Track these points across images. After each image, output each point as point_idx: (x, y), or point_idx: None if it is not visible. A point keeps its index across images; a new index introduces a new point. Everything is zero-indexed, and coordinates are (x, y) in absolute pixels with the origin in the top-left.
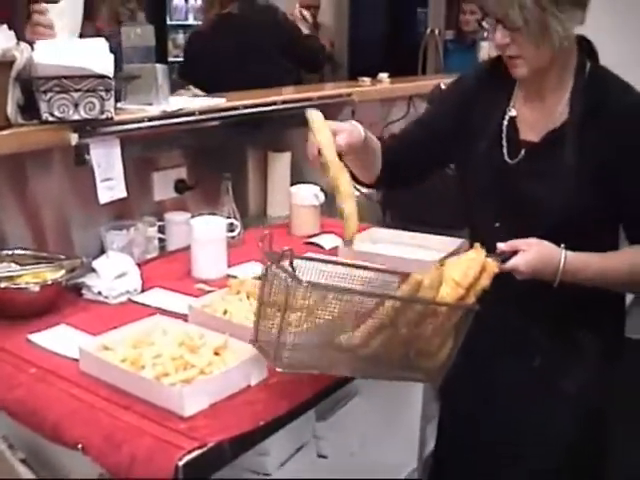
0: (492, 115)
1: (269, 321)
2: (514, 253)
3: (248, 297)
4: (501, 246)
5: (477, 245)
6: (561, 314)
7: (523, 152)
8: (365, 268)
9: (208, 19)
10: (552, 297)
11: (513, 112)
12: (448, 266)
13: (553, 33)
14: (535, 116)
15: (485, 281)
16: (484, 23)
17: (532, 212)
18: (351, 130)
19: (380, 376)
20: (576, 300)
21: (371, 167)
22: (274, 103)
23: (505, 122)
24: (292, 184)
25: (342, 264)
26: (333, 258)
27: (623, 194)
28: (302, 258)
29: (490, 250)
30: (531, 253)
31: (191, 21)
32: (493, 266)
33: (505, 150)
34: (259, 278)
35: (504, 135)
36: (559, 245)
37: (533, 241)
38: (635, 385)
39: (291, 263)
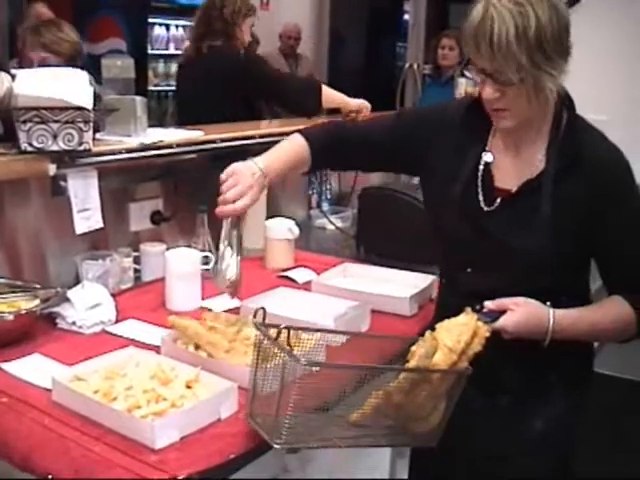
0: (466, 158)
1: (264, 396)
2: (502, 312)
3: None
4: (489, 304)
5: (468, 309)
6: (532, 356)
7: (499, 200)
8: (362, 335)
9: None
10: (524, 340)
11: (489, 157)
12: (440, 331)
13: (546, 89)
14: (511, 164)
15: (478, 346)
16: (467, 73)
17: (506, 260)
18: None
19: (374, 443)
20: (549, 343)
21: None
22: (251, 137)
23: (481, 167)
24: (268, 217)
25: (340, 333)
26: (330, 328)
27: (602, 244)
28: (298, 329)
29: (461, 294)
30: (519, 313)
31: (172, 50)
32: (484, 330)
33: (481, 197)
34: (257, 352)
35: (479, 181)
36: (534, 293)
37: (521, 300)
38: (601, 420)
39: (289, 342)
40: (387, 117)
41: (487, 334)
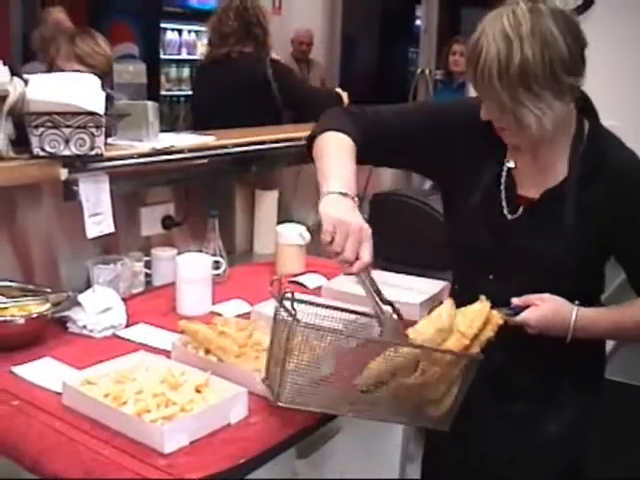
0: (487, 164)
1: (275, 359)
2: (526, 307)
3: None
4: (515, 300)
5: (482, 297)
6: (544, 362)
7: (522, 209)
8: (366, 315)
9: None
10: (539, 347)
11: (511, 164)
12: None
13: (531, 125)
14: (531, 171)
15: (489, 332)
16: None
17: (529, 266)
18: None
19: (381, 418)
20: (562, 351)
21: None
22: (263, 142)
23: (504, 174)
24: (279, 223)
25: (346, 310)
26: (336, 304)
27: (627, 250)
28: (304, 302)
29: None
30: (544, 309)
31: (184, 55)
32: (497, 318)
33: (504, 204)
34: (274, 320)
35: (502, 188)
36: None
37: (547, 296)
38: (612, 427)
39: (292, 304)
40: (410, 112)
41: (500, 321)
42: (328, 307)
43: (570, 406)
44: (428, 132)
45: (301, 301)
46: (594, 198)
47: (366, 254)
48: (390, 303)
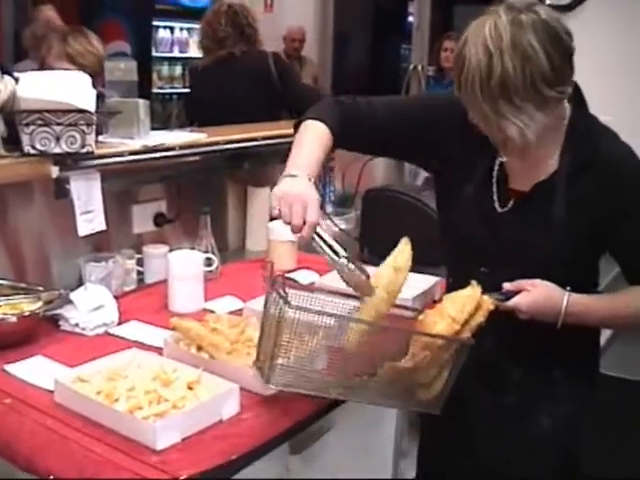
0: (480, 158)
1: (266, 342)
2: (517, 292)
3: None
4: (507, 285)
5: (473, 283)
6: (538, 352)
7: (512, 201)
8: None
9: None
10: (531, 333)
11: (504, 158)
12: (445, 302)
13: (514, 136)
14: (525, 166)
15: (480, 317)
16: None
17: (521, 259)
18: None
19: (371, 401)
20: (554, 338)
21: None
22: (254, 139)
23: (496, 168)
24: (271, 219)
25: (335, 294)
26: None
27: (621, 243)
28: (297, 287)
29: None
30: (535, 294)
31: (176, 53)
32: (488, 303)
33: (495, 197)
34: (265, 302)
35: (494, 182)
36: None
37: (538, 282)
38: (607, 422)
39: (284, 289)
40: (403, 103)
41: (491, 307)
42: (321, 291)
43: (564, 400)
44: (421, 124)
45: (292, 281)
46: (586, 191)
47: (311, 215)
48: (347, 257)
